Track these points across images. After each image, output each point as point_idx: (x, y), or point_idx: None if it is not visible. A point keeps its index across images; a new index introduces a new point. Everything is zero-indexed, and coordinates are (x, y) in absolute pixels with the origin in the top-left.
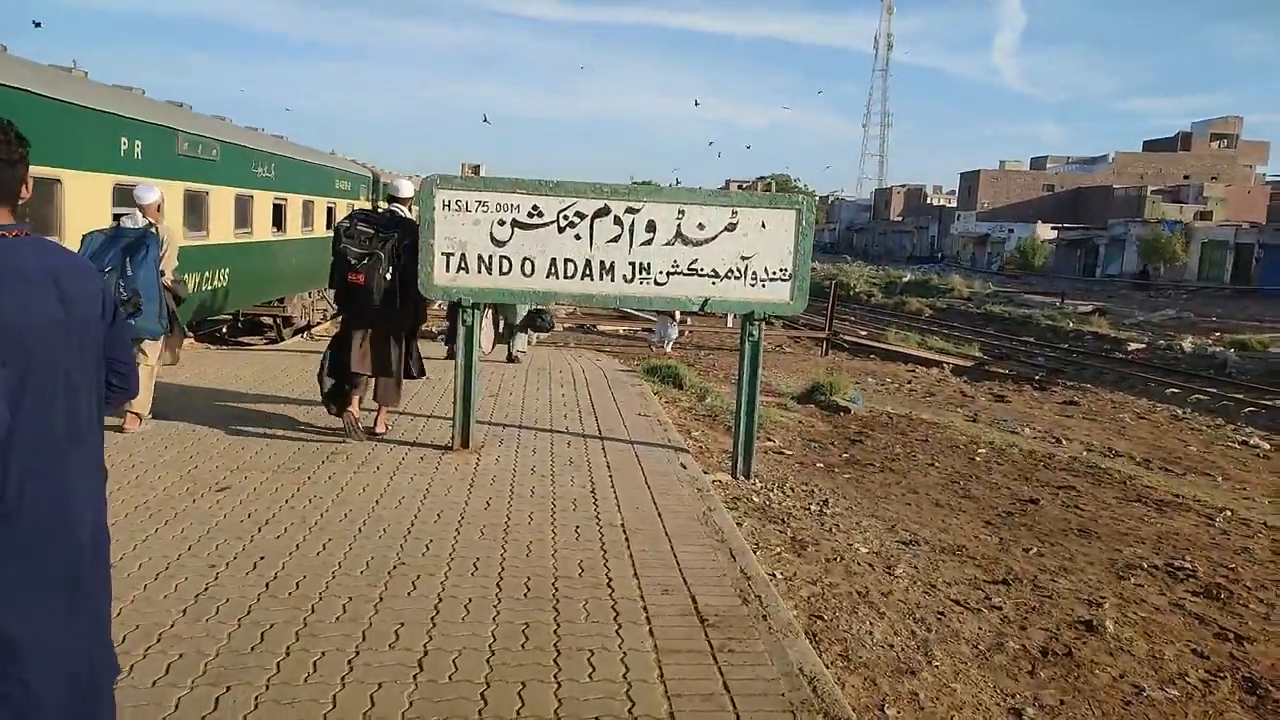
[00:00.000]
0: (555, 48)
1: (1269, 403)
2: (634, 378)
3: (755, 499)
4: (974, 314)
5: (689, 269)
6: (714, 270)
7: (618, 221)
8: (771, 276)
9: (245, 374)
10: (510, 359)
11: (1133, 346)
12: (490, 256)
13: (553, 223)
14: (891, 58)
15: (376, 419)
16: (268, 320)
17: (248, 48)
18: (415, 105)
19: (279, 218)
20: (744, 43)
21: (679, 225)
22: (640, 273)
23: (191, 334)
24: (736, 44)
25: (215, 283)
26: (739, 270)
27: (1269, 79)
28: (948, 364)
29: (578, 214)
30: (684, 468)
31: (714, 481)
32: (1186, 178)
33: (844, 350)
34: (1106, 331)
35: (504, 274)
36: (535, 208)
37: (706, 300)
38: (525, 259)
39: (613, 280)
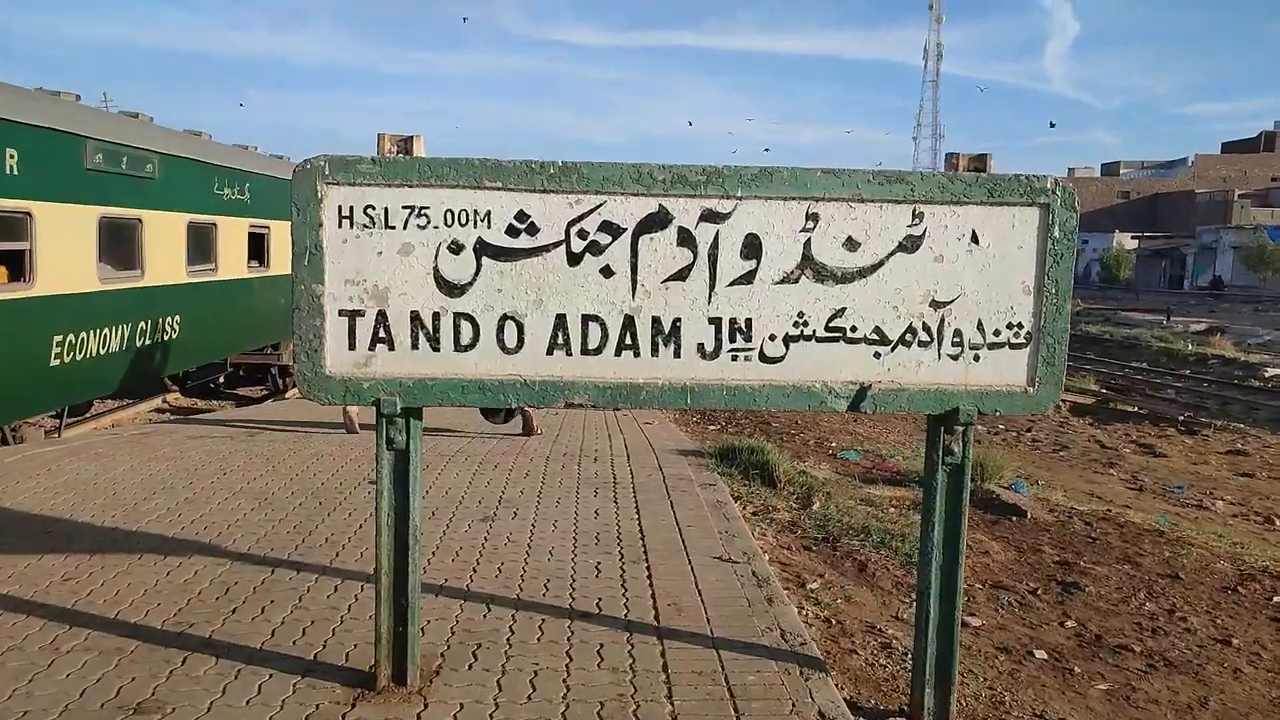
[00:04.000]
0: (599, 71)
1: None
2: (703, 468)
3: None
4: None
5: (829, 328)
6: (877, 329)
7: (685, 239)
8: (992, 339)
9: (123, 487)
10: None
11: (1270, 373)
12: (436, 316)
13: (558, 244)
14: (941, 69)
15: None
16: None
17: (314, 84)
18: (470, 130)
19: (261, 249)
20: (788, 61)
21: (807, 241)
22: (733, 338)
23: (175, 388)
24: (780, 63)
25: (156, 336)
26: (928, 327)
27: None
28: (1062, 401)
29: (606, 226)
30: None
31: None
32: (1275, 179)
33: None
34: (1233, 354)
35: (463, 348)
36: (523, 216)
37: (863, 390)
38: (505, 318)
39: (678, 355)
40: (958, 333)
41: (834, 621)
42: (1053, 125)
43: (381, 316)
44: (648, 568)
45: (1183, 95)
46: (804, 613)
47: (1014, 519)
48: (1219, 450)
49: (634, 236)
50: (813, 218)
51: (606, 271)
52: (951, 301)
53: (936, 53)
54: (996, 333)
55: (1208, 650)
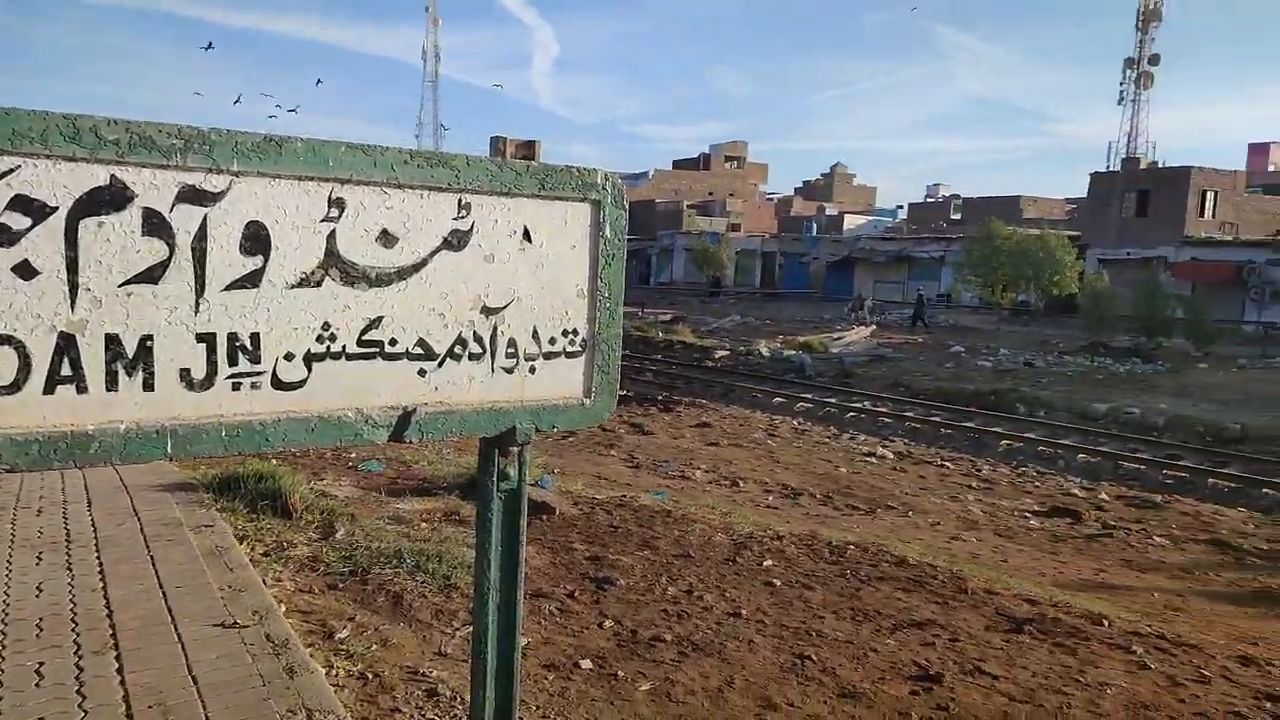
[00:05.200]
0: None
1: (858, 405)
2: (196, 505)
3: None
4: None
5: (363, 343)
6: (422, 342)
7: (156, 225)
8: (548, 348)
9: None
10: None
11: (719, 354)
12: None
13: None
14: (441, 71)
15: None
16: None
17: None
18: None
19: None
20: (288, 44)
21: (331, 234)
22: (233, 360)
23: None
24: (280, 44)
25: None
26: (480, 337)
27: (756, 112)
28: None
29: (21, 203)
30: None
31: None
32: (710, 194)
33: None
34: (693, 340)
35: None
36: None
37: (408, 415)
38: None
39: (150, 386)
40: (512, 342)
41: (370, 675)
42: (320, 81)
43: None
44: (118, 658)
45: (642, 118)
46: (334, 673)
47: (544, 517)
48: (690, 424)
49: (70, 220)
50: (337, 204)
51: (25, 270)
52: (505, 307)
53: (435, 54)
54: (552, 341)
55: (725, 626)
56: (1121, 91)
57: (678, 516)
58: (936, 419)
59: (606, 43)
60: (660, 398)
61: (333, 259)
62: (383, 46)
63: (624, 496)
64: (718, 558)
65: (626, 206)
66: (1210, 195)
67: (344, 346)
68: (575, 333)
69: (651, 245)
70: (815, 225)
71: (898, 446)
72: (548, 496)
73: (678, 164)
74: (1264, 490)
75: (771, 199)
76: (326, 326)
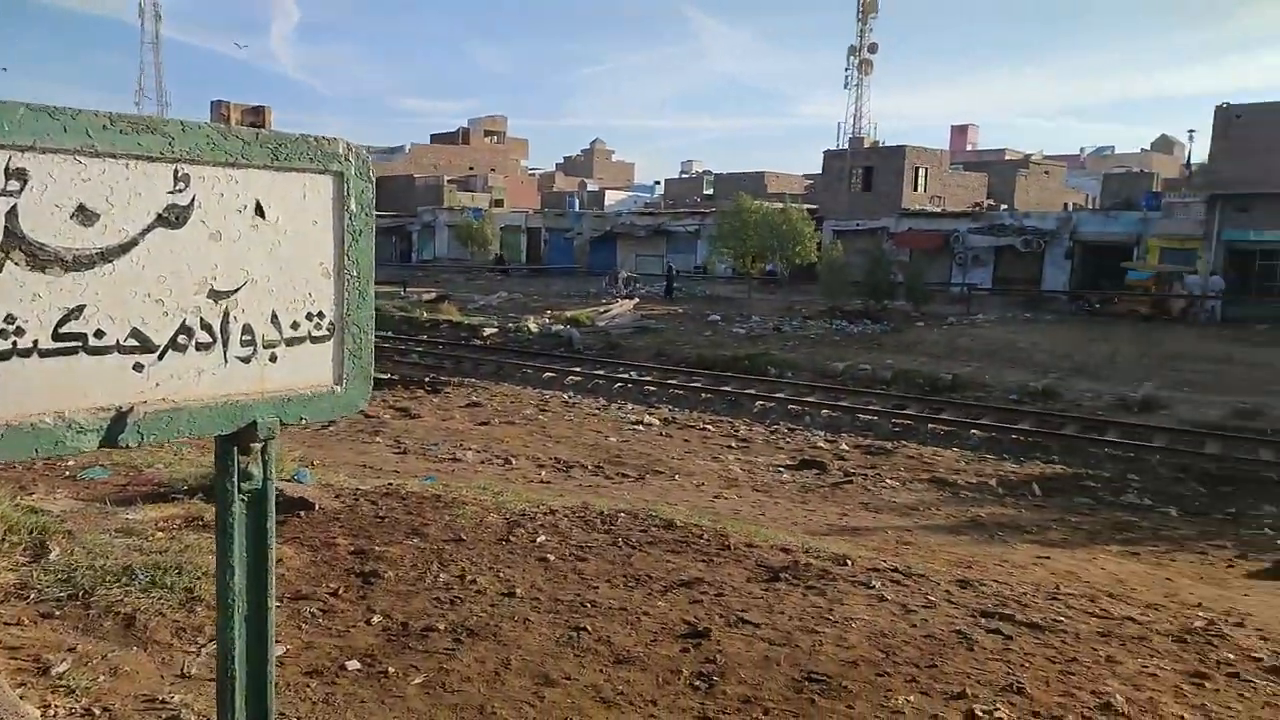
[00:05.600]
0: None
1: (625, 376)
2: None
3: None
4: None
5: (60, 336)
6: (137, 332)
7: None
8: (290, 333)
9: None
10: None
11: (488, 332)
12: None
13: None
14: (162, 32)
15: None
16: None
17: None
18: None
19: None
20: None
21: (12, 210)
22: None
23: None
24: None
25: None
26: (208, 325)
27: (516, 88)
28: None
29: None
30: None
31: None
32: (471, 169)
33: None
34: (460, 319)
35: None
36: None
37: (123, 417)
38: None
39: None
40: (247, 329)
41: (98, 710)
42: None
43: None
44: None
45: (396, 91)
46: (52, 713)
47: (302, 514)
48: (460, 405)
49: None
50: (18, 175)
51: None
52: (237, 290)
53: (154, 13)
54: (295, 325)
55: (499, 608)
56: (846, 76)
57: (448, 500)
58: (698, 385)
59: (354, 10)
60: (427, 379)
61: (14, 240)
62: (90, 3)
63: (390, 484)
64: (491, 539)
65: (373, 179)
66: (921, 171)
67: (35, 341)
68: (321, 316)
69: (412, 222)
70: (578, 201)
71: (663, 413)
72: (306, 491)
73: (436, 138)
74: (971, 431)
75: (534, 175)
76: (10, 319)
